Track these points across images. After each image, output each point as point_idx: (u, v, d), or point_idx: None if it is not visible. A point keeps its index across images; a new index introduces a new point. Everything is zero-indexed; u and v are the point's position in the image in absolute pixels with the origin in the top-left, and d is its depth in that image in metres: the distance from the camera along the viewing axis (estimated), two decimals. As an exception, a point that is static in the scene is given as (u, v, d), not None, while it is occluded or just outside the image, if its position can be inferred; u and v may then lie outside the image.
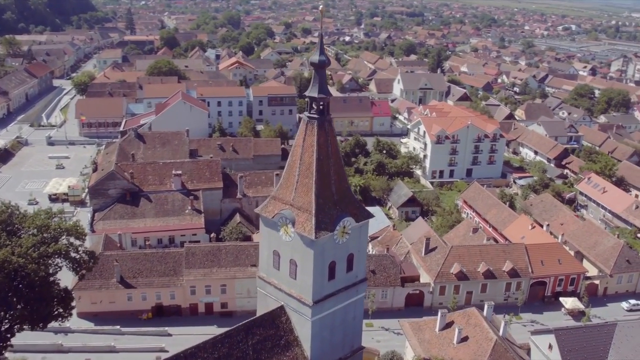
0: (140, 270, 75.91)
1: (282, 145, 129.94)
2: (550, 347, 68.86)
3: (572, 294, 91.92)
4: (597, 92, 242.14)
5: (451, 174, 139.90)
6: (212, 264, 77.78)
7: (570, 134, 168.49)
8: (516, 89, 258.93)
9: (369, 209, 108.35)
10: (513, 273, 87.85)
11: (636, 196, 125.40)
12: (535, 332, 69.66)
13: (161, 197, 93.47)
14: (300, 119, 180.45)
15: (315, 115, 48.80)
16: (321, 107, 48.89)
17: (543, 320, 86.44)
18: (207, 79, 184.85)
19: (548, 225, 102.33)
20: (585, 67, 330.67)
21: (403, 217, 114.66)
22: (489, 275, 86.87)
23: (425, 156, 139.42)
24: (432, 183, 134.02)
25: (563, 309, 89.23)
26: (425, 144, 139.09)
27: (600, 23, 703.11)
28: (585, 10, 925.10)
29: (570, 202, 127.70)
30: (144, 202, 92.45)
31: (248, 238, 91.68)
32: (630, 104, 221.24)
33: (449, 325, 63.31)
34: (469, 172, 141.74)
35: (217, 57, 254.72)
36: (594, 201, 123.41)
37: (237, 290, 78.63)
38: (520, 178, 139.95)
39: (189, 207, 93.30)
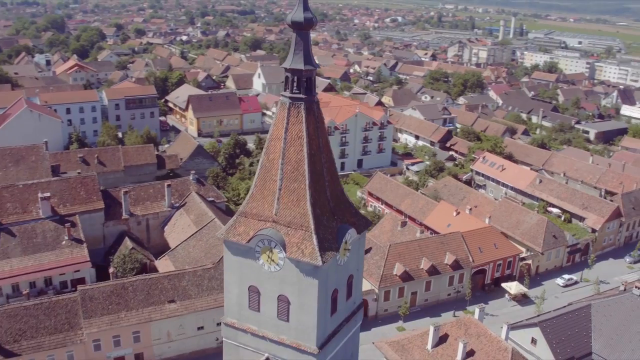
0: (22, 330, 56.41)
1: (157, 152, 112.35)
2: (533, 341, 61.72)
3: (509, 277, 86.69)
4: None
5: (342, 167, 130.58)
6: (119, 308, 60.41)
7: (444, 116, 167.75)
8: (370, 78, 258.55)
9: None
10: (455, 265, 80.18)
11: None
12: (515, 327, 61.82)
13: (27, 229, 72.67)
14: (164, 123, 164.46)
15: (302, 95, 35.45)
16: (307, 83, 35.69)
17: (492, 311, 79.73)
18: (45, 84, 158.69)
19: (471, 209, 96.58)
20: (425, 54, 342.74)
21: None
22: (433, 271, 78.39)
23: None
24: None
25: (507, 294, 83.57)
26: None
27: (421, 14, 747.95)
28: (404, 4, 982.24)
29: (468, 184, 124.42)
30: (5, 238, 71.16)
31: (145, 268, 74.60)
32: (484, 84, 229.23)
33: (443, 339, 52.78)
34: (359, 163, 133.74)
35: (48, 62, 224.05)
36: (493, 180, 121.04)
37: (155, 336, 62.06)
38: (412, 164, 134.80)
39: (66, 237, 73.56)
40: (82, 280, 70.77)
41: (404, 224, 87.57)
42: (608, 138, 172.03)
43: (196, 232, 74.12)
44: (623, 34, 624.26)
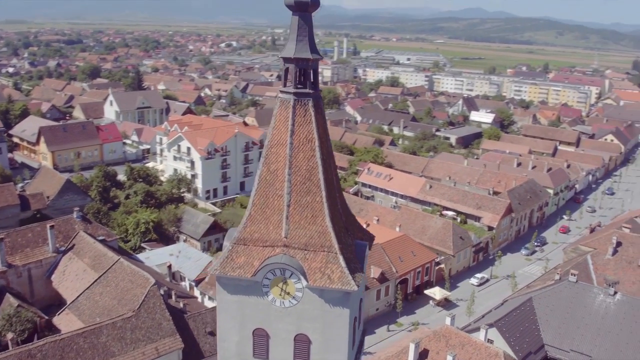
0: None
1: (19, 192, 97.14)
2: (489, 342, 59.59)
3: (427, 284, 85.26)
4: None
5: (225, 191, 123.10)
6: (26, 381, 48.50)
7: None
8: (223, 100, 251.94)
9: (165, 249, 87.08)
10: (382, 278, 76.80)
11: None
12: (471, 331, 59.31)
13: None
14: (11, 160, 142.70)
15: (309, 90, 29.38)
16: (313, 76, 29.73)
17: (421, 319, 77.53)
18: None
19: (378, 219, 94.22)
20: (271, 75, 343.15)
21: (206, 248, 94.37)
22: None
23: (194, 176, 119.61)
24: (215, 204, 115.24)
25: (431, 301, 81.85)
26: (192, 162, 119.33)
27: (254, 39, 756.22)
28: (234, 30, 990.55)
29: (356, 196, 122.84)
30: None
31: (36, 328, 61.91)
32: (340, 100, 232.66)
33: (423, 356, 48.30)
34: (242, 186, 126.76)
35: None
36: (382, 190, 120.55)
37: (74, 409, 50.71)
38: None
39: None
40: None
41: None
42: (467, 142, 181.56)
43: (100, 277, 63.03)
44: (442, 50, 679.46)
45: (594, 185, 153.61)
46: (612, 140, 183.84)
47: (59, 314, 61.88)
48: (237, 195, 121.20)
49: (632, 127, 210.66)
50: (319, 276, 28.67)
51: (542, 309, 63.14)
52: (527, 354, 58.58)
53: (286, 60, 29.30)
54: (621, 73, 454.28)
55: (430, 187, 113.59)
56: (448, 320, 53.46)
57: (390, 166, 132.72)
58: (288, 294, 29.22)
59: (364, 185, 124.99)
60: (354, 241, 31.32)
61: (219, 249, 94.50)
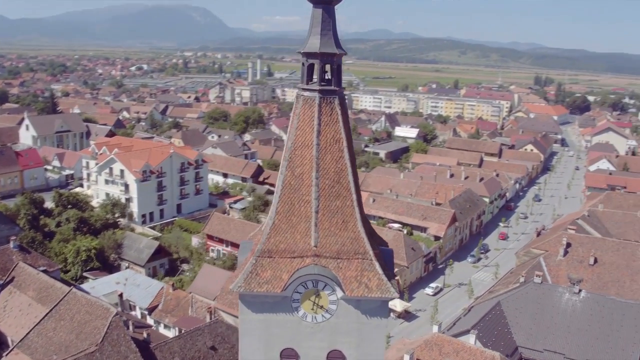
0: None
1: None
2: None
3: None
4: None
5: (162, 214, 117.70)
6: None
7: (245, 152, 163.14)
8: (143, 123, 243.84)
9: (110, 278, 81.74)
10: (345, 294, 74.97)
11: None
12: (457, 336, 58.50)
13: None
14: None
15: (335, 88, 27.53)
16: (338, 72, 27.94)
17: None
18: None
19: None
20: (189, 97, 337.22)
21: (152, 274, 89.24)
22: (327, 304, 72.08)
23: (129, 199, 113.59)
24: (153, 228, 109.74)
25: (392, 313, 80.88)
26: (127, 185, 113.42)
27: (164, 62, 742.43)
28: (143, 53, 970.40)
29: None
30: None
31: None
32: (265, 119, 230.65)
33: (417, 370, 46.80)
34: (179, 208, 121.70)
35: None
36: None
37: None
38: (235, 202, 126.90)
39: None
40: None
41: (277, 260, 79.77)
42: (396, 157, 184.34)
43: (50, 310, 57.55)
44: (353, 70, 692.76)
45: (521, 193, 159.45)
46: (532, 150, 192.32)
47: (6, 355, 55.94)
48: (175, 218, 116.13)
49: (547, 137, 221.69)
50: (355, 285, 26.69)
51: (511, 312, 63.54)
52: (504, 357, 58.52)
53: (310, 55, 27.33)
54: (525, 88, 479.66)
55: (374, 200, 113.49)
56: (435, 329, 52.44)
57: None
58: (321, 307, 27.02)
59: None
60: (378, 247, 29.60)
61: (167, 274, 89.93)
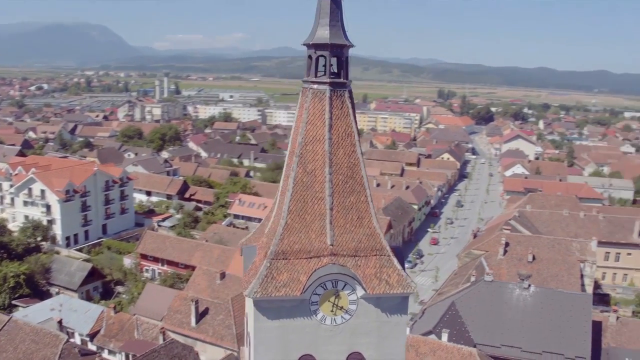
0: None
1: None
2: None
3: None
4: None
5: (87, 236, 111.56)
6: None
7: (167, 169, 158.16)
8: (51, 143, 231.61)
9: (44, 304, 76.34)
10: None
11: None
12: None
13: None
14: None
15: (344, 80, 26.75)
16: (345, 64, 27.20)
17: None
18: None
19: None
20: (97, 115, 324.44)
21: (84, 298, 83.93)
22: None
23: (51, 221, 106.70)
24: (80, 250, 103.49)
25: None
26: (48, 206, 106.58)
27: (65, 82, 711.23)
28: (40, 72, 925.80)
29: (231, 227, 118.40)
30: None
31: None
32: (182, 136, 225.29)
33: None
34: (104, 229, 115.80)
35: None
36: (257, 219, 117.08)
37: None
38: (163, 220, 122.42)
39: None
40: None
41: (223, 275, 77.27)
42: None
43: (-10, 341, 52.49)
44: (260, 87, 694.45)
45: (442, 200, 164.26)
46: (448, 158, 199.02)
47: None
48: (102, 239, 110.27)
49: (460, 146, 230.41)
50: (376, 283, 25.84)
51: (466, 311, 64.58)
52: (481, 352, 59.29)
53: (319, 47, 26.41)
54: (429, 101, 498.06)
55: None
56: (407, 330, 52.24)
57: (257, 195, 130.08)
58: (341, 308, 25.94)
59: (236, 217, 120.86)
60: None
61: (103, 297, 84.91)
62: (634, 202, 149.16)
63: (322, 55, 26.60)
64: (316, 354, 26.12)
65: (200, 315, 66.55)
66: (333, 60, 26.95)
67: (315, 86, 26.43)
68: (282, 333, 25.66)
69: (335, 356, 26.23)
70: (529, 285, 65.45)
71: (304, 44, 26.99)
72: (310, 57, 26.99)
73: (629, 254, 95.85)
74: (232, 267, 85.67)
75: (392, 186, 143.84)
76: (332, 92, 26.32)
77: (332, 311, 25.87)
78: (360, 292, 25.83)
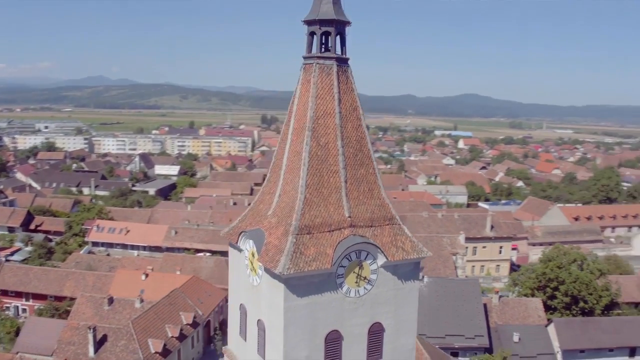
0: None
1: None
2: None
3: (224, 322, 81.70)
4: None
5: None
6: None
7: (3, 200, 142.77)
8: None
9: None
10: (194, 324, 70.89)
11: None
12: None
13: None
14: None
15: (347, 57, 27.62)
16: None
17: None
18: None
19: (152, 268, 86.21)
20: None
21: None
22: (181, 336, 67.39)
23: None
24: None
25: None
26: None
27: None
28: None
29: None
30: None
31: None
32: (8, 167, 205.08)
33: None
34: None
35: None
36: (120, 245, 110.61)
37: None
38: (11, 254, 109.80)
39: None
40: None
41: (111, 300, 71.79)
42: (165, 193, 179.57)
43: None
44: (75, 117, 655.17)
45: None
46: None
47: None
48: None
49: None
50: (394, 250, 26.89)
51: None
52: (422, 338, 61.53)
53: (323, 22, 26.86)
54: (254, 127, 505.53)
55: (176, 232, 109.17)
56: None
57: (113, 220, 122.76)
58: (364, 278, 26.46)
59: (95, 244, 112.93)
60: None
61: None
62: (469, 205, 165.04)
63: (326, 32, 27.03)
64: (342, 328, 26.28)
65: (99, 344, 61.30)
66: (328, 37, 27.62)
67: (321, 61, 26.85)
68: (311, 310, 25.45)
69: (359, 329, 26.65)
70: (423, 277, 69.82)
71: (306, 20, 27.24)
72: (312, 33, 27.28)
73: (484, 247, 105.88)
74: (114, 291, 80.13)
75: (249, 204, 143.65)
76: (339, 67, 26.94)
77: (356, 282, 26.21)
78: (381, 260, 26.54)
